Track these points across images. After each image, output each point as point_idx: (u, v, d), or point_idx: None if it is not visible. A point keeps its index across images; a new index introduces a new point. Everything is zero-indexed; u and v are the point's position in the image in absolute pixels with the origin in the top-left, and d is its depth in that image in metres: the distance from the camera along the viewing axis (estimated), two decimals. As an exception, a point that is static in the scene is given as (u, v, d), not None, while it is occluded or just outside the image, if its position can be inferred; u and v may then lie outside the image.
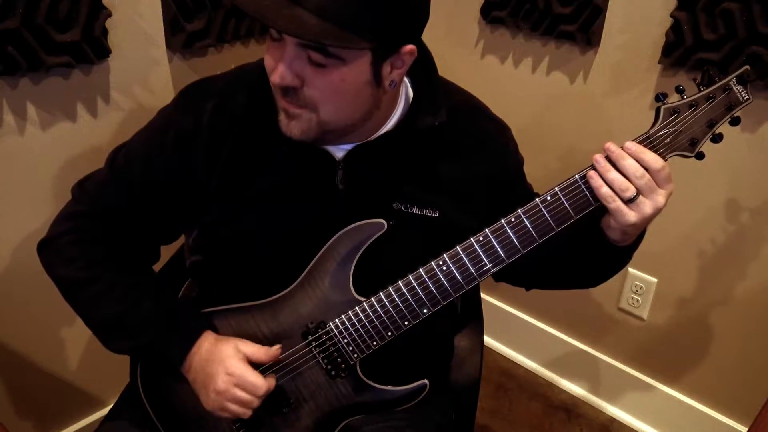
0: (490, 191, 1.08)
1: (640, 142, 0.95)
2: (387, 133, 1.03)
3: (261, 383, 1.00)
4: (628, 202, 0.92)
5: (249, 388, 1.00)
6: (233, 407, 1.00)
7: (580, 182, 0.95)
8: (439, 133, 1.04)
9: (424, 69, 1.05)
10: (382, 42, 0.89)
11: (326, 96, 0.92)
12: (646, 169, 0.92)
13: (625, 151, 0.93)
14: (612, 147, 0.93)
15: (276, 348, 1.03)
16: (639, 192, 0.92)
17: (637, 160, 0.92)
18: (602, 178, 0.93)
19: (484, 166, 1.09)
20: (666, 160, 0.94)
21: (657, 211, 0.94)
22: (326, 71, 0.90)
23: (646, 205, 0.92)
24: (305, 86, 0.91)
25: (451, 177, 1.07)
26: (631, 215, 0.93)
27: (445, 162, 1.07)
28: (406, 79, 1.06)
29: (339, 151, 1.04)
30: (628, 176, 0.92)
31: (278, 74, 0.90)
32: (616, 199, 0.93)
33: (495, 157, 1.11)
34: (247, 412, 1.01)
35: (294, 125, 0.95)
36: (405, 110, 1.06)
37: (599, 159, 0.94)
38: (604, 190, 0.93)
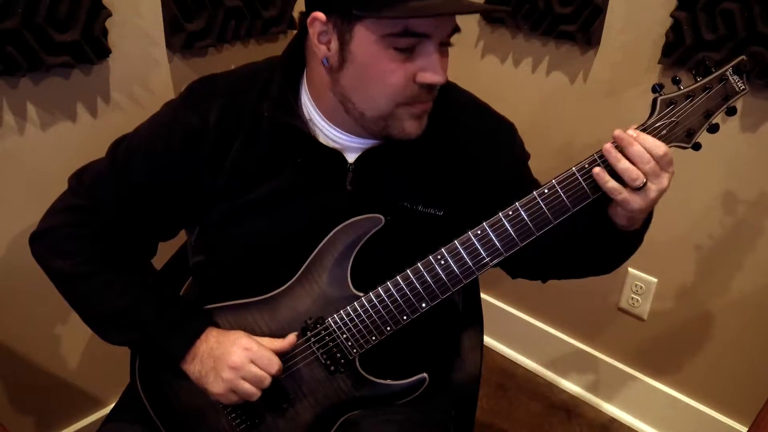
0: (496, 189, 1.07)
1: None
2: None
3: (276, 360, 1.01)
4: (637, 189, 0.93)
5: (264, 363, 1.00)
6: (245, 386, 1.00)
7: (578, 174, 0.95)
8: (447, 134, 1.05)
9: None
10: None
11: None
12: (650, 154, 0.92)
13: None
14: (621, 134, 0.93)
15: (291, 336, 1.04)
16: (646, 178, 0.92)
17: (641, 146, 0.92)
18: (615, 168, 0.93)
19: (490, 165, 1.09)
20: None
21: (661, 194, 0.94)
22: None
23: (652, 190, 0.93)
24: None
25: (458, 176, 1.07)
26: (637, 201, 0.93)
27: (452, 161, 1.07)
28: None
29: (351, 154, 1.04)
30: (636, 163, 0.92)
31: (442, 72, 0.93)
32: (623, 191, 0.93)
33: (502, 155, 1.11)
34: (256, 393, 1.00)
35: (425, 121, 0.99)
36: None
37: (610, 149, 0.93)
38: (610, 185, 0.93)
